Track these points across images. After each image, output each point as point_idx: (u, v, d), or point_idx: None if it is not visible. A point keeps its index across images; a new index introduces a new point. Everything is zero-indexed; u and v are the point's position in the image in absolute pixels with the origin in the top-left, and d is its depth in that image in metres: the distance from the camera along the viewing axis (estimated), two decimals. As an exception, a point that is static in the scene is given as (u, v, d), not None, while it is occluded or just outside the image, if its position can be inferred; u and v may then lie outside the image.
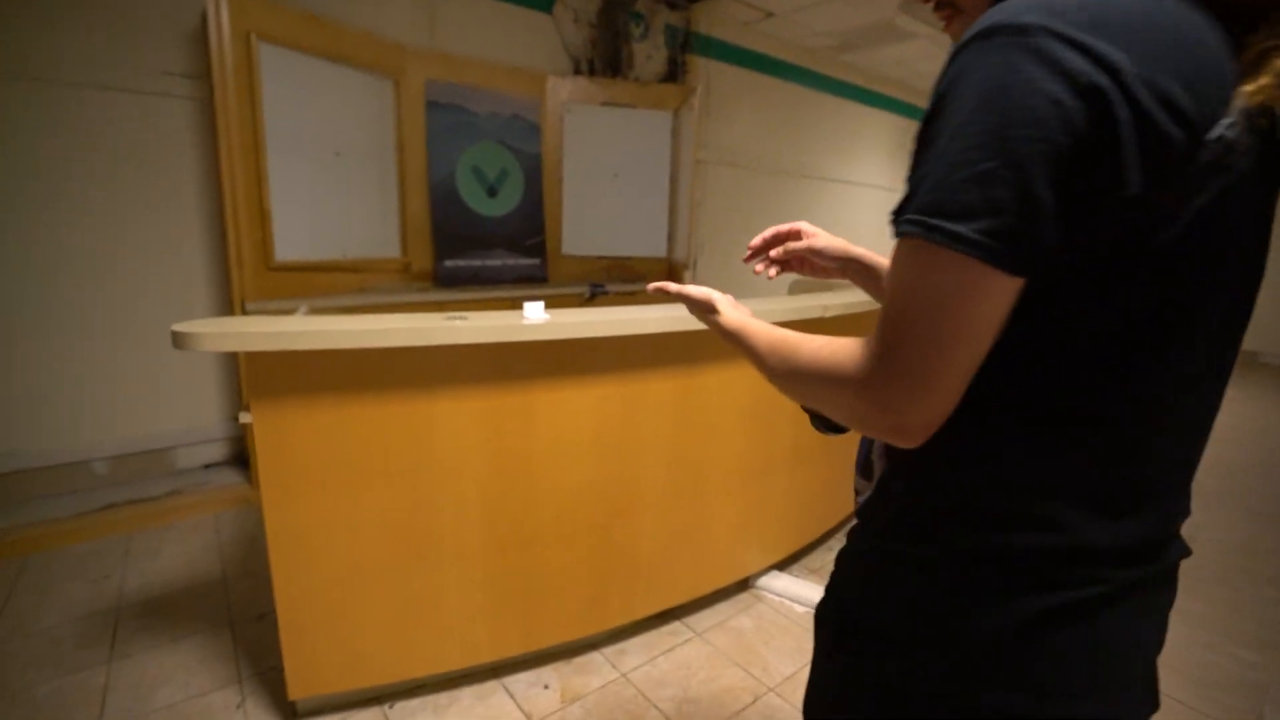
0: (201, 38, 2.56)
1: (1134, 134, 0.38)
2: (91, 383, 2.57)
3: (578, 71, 3.84)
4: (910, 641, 0.52)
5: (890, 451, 0.58)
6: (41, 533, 2.30)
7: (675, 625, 1.98)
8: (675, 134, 3.89)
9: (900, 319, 0.44)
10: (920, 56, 5.15)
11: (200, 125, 2.66)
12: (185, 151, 2.65)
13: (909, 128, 6.36)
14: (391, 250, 3.27)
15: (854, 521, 0.64)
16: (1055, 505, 0.47)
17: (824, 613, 0.64)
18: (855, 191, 5.94)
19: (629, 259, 4.12)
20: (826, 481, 2.32)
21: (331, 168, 2.91)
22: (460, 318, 1.42)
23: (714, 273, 4.77)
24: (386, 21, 3.14)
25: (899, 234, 0.44)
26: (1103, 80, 0.37)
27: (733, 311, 0.73)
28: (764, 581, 2.20)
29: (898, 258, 0.45)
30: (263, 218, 2.60)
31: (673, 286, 0.80)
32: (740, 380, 1.87)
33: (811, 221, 0.85)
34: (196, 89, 2.61)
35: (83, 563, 2.21)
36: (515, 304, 1.57)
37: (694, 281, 4.69)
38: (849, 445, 0.76)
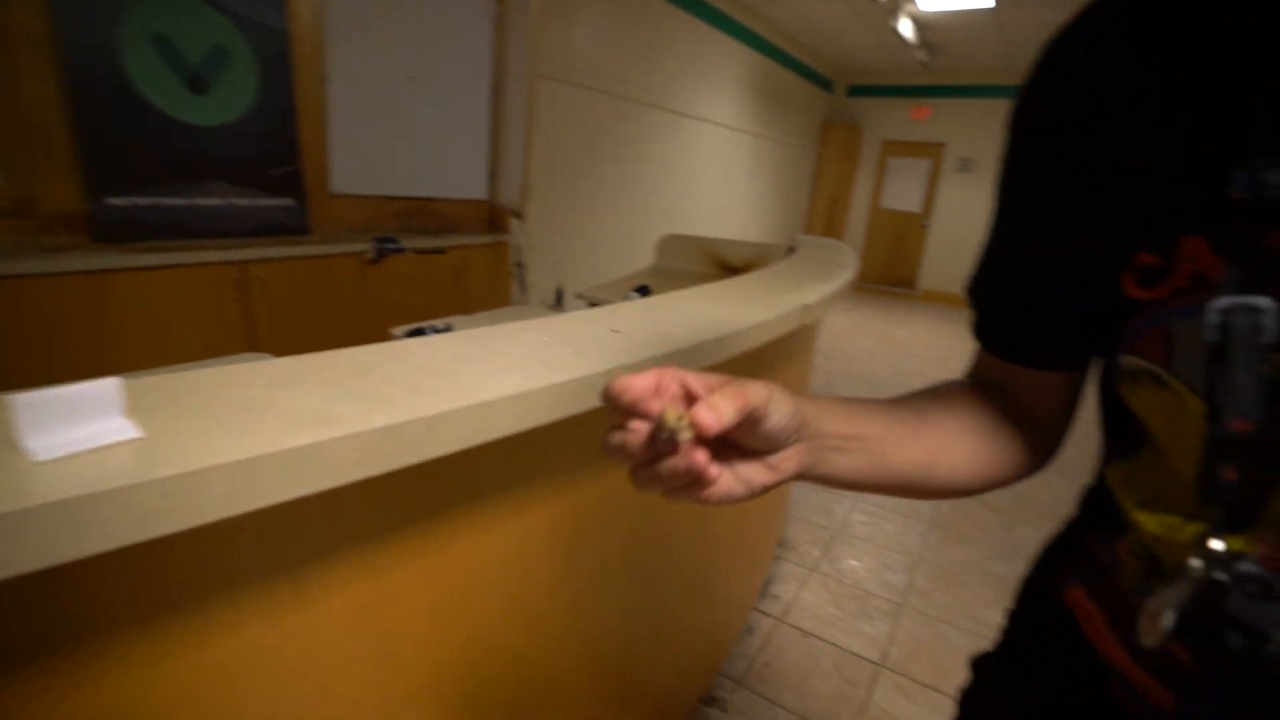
0: None
1: None
2: None
3: (345, -95, 2.50)
4: None
5: None
6: None
7: None
8: (501, 25, 2.76)
9: None
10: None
11: None
12: None
13: (760, 65, 5.73)
14: (-17, 173, 1.80)
15: None
16: None
17: None
18: (704, 129, 5.21)
19: (434, 201, 2.97)
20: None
21: None
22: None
23: (543, 226, 3.76)
24: None
25: None
26: None
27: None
28: None
29: None
30: None
31: (728, 411, 0.30)
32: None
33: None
34: None
35: None
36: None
37: (523, 244, 3.63)
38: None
